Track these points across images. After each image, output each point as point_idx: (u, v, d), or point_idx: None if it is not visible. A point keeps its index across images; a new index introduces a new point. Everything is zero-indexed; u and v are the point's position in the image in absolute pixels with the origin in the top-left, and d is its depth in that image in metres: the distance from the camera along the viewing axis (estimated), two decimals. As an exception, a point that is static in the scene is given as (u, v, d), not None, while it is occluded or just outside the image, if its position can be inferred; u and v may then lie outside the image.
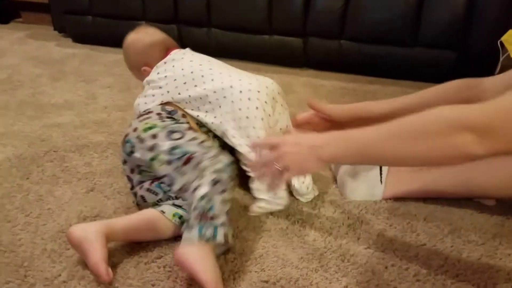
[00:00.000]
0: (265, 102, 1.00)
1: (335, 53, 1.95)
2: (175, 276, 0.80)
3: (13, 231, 0.91)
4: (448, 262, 0.85)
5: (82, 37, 2.31)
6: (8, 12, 2.80)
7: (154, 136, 0.92)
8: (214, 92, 1.01)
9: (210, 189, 0.81)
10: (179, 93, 1.04)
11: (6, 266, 0.81)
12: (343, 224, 0.95)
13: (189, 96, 1.03)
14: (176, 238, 0.88)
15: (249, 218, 0.96)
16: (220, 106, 1.01)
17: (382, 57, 1.88)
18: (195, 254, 0.75)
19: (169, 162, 0.89)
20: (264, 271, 0.82)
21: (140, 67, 1.16)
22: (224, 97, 1.00)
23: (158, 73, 1.10)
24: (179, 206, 0.87)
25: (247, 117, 0.98)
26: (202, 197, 0.80)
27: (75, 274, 0.79)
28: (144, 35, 1.19)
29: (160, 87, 1.07)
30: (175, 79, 1.06)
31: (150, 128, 0.94)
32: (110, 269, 0.77)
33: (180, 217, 0.86)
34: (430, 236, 0.92)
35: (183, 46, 2.29)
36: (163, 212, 0.86)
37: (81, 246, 0.78)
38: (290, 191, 1.02)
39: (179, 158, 0.88)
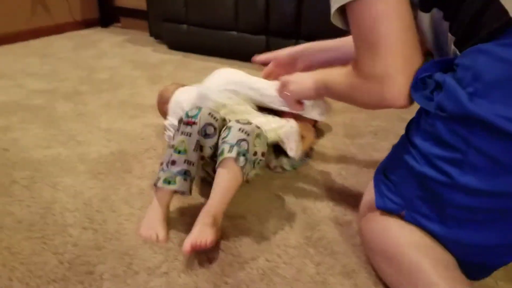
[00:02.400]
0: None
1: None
2: (268, 279, 0.82)
3: (118, 220, 0.98)
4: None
5: (176, 44, 2.44)
6: (109, 16, 3.04)
7: None
8: None
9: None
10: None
11: (112, 253, 0.88)
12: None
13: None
14: (265, 240, 0.90)
15: (340, 230, 0.96)
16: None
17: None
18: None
19: None
20: (357, 286, 0.81)
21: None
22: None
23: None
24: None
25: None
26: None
27: (176, 266, 0.84)
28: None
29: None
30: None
31: None
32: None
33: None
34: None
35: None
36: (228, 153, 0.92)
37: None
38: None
39: None
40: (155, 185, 0.95)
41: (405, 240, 0.75)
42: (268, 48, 2.20)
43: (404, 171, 0.77)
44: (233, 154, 0.91)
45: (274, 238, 0.93)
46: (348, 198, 1.09)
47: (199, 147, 0.97)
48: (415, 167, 0.73)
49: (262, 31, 2.19)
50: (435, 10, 0.75)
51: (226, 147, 0.93)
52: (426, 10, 0.76)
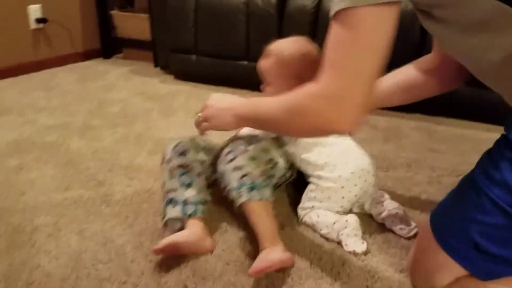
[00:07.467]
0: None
1: (447, 98, 1.84)
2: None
3: (158, 272, 0.89)
4: None
5: (184, 75, 2.38)
6: (111, 47, 2.98)
7: None
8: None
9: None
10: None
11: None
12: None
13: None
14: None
15: (401, 279, 0.89)
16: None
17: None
18: None
19: None
20: None
21: (293, 77, 1.07)
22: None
23: None
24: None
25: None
26: None
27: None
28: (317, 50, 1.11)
29: None
30: None
31: None
32: None
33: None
34: None
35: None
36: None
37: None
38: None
39: None
40: (165, 225, 0.99)
41: None
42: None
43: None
44: (244, 198, 0.92)
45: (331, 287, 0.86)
46: (401, 240, 1.01)
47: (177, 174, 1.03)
48: None
49: (274, 61, 2.14)
50: None
51: (235, 194, 0.94)
52: None
